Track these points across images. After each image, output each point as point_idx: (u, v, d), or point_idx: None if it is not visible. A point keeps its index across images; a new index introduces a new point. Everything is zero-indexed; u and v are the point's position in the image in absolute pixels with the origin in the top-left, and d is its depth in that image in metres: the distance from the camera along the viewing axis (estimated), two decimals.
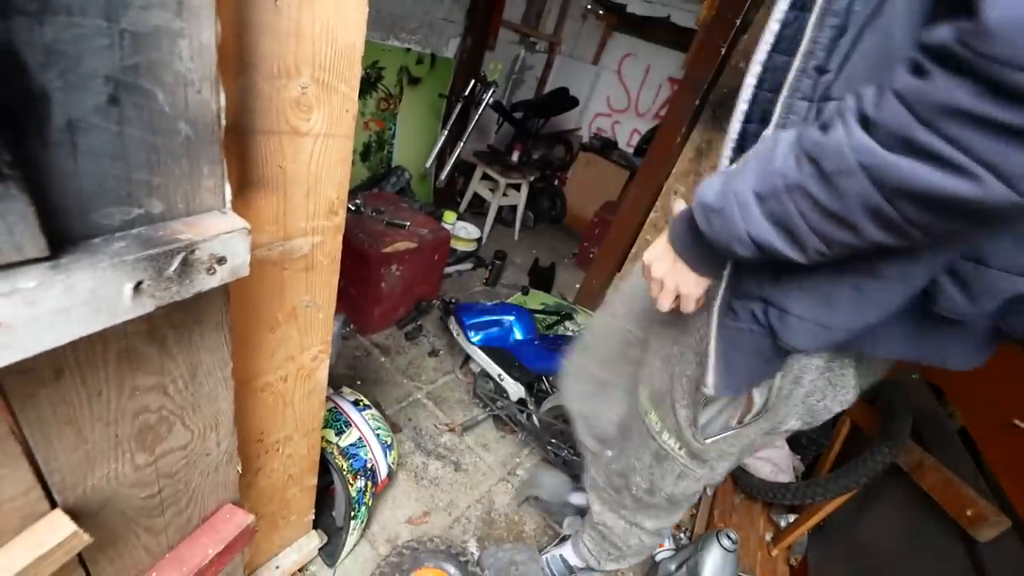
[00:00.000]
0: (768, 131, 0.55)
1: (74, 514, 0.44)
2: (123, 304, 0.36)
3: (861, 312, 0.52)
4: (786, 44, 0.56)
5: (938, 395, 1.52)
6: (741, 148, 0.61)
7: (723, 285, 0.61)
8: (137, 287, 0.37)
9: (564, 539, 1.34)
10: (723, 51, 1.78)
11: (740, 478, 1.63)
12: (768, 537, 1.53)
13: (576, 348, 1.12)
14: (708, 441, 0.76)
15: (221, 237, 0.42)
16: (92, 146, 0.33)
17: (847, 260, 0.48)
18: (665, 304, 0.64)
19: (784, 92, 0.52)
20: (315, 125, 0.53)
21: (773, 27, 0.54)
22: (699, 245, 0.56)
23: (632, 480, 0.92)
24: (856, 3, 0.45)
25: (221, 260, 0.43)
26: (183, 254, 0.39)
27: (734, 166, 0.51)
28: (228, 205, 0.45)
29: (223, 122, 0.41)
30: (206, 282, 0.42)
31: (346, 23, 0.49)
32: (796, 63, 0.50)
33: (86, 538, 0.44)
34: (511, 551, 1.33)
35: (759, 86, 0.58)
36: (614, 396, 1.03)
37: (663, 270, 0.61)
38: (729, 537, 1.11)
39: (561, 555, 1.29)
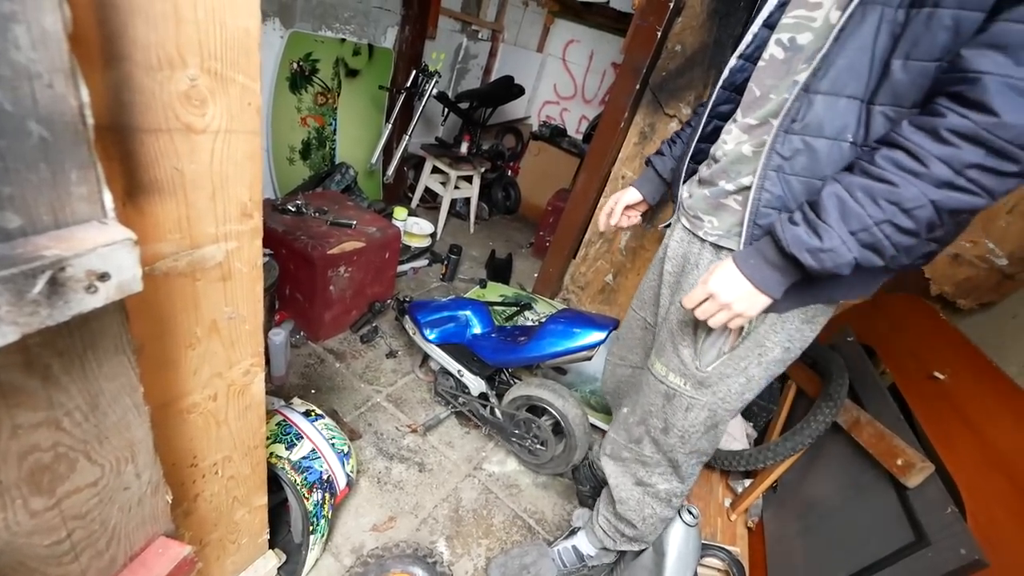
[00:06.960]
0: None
1: None
2: None
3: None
4: (751, 51, 0.84)
5: (871, 355, 1.62)
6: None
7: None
8: None
9: (574, 532, 1.34)
10: (659, 34, 1.80)
11: None
12: (727, 503, 1.60)
13: (612, 339, 1.37)
14: (709, 368, 0.93)
15: (99, 251, 0.37)
16: None
17: None
18: (722, 320, 0.79)
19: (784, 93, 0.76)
20: (212, 121, 0.49)
21: (747, 39, 0.82)
22: (785, 280, 0.74)
23: (650, 423, 1.06)
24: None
25: (103, 276, 0.38)
26: (49, 272, 0.34)
27: (795, 215, 0.70)
28: (110, 214, 0.40)
29: (90, 121, 0.36)
30: (87, 302, 0.38)
31: (234, 6, 0.44)
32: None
33: None
34: (519, 555, 1.29)
35: (725, 87, 0.90)
36: (637, 373, 1.26)
37: (733, 296, 0.76)
38: (690, 512, 1.14)
39: (573, 546, 1.30)
